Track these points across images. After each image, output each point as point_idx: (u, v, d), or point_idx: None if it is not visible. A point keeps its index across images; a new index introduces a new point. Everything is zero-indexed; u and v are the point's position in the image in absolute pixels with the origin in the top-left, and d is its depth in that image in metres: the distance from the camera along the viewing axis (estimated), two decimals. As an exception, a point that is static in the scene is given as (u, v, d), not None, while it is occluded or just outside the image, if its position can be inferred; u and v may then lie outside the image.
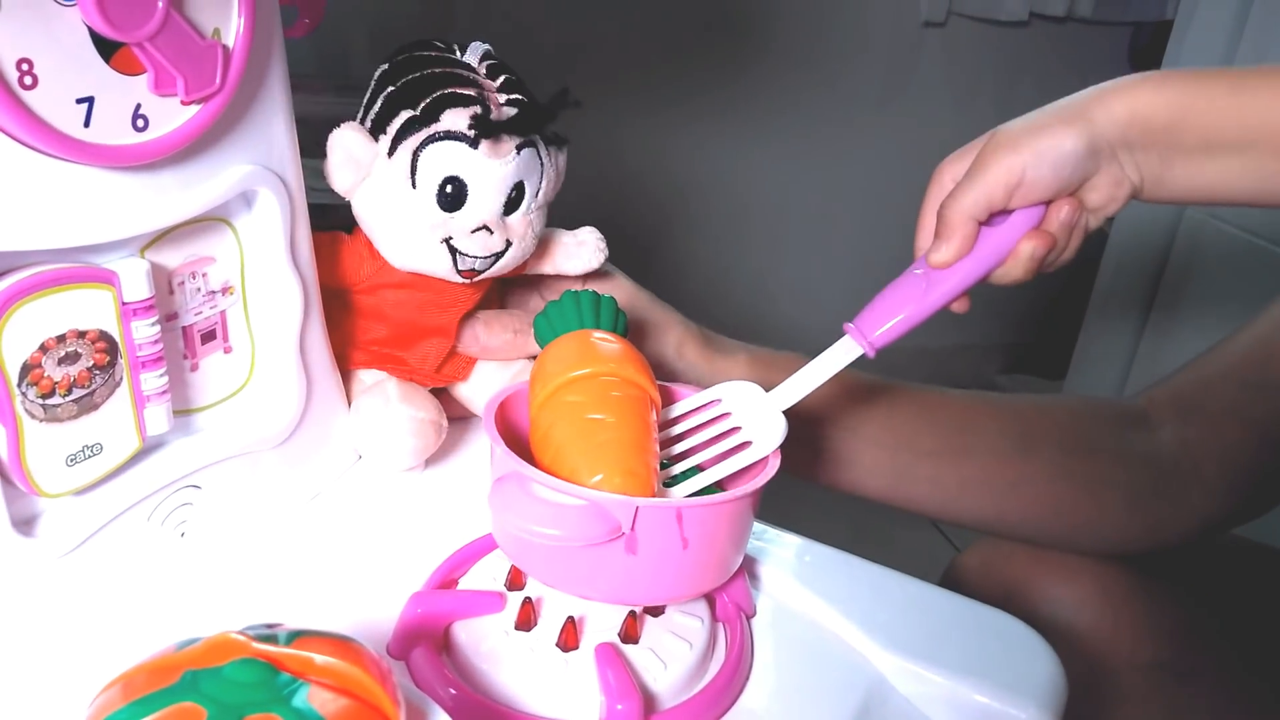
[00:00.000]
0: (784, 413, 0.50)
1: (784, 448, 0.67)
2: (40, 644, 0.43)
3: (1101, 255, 1.68)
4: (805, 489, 0.70)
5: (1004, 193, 0.48)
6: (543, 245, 0.60)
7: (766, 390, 0.51)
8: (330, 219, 0.57)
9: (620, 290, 0.66)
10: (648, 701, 0.43)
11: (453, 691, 0.43)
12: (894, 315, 0.50)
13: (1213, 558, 0.78)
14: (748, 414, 0.50)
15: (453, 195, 0.52)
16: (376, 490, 0.58)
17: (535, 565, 0.45)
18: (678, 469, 0.49)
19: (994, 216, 0.50)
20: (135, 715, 0.28)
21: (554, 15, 1.68)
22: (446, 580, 0.50)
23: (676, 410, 0.52)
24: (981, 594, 0.66)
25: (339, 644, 0.32)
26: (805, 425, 0.67)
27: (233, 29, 0.43)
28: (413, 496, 0.58)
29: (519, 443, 0.47)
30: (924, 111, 2.00)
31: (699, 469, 0.49)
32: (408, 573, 0.49)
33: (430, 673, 0.44)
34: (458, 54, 0.55)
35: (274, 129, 0.48)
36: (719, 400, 0.51)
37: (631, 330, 0.65)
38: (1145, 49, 2.04)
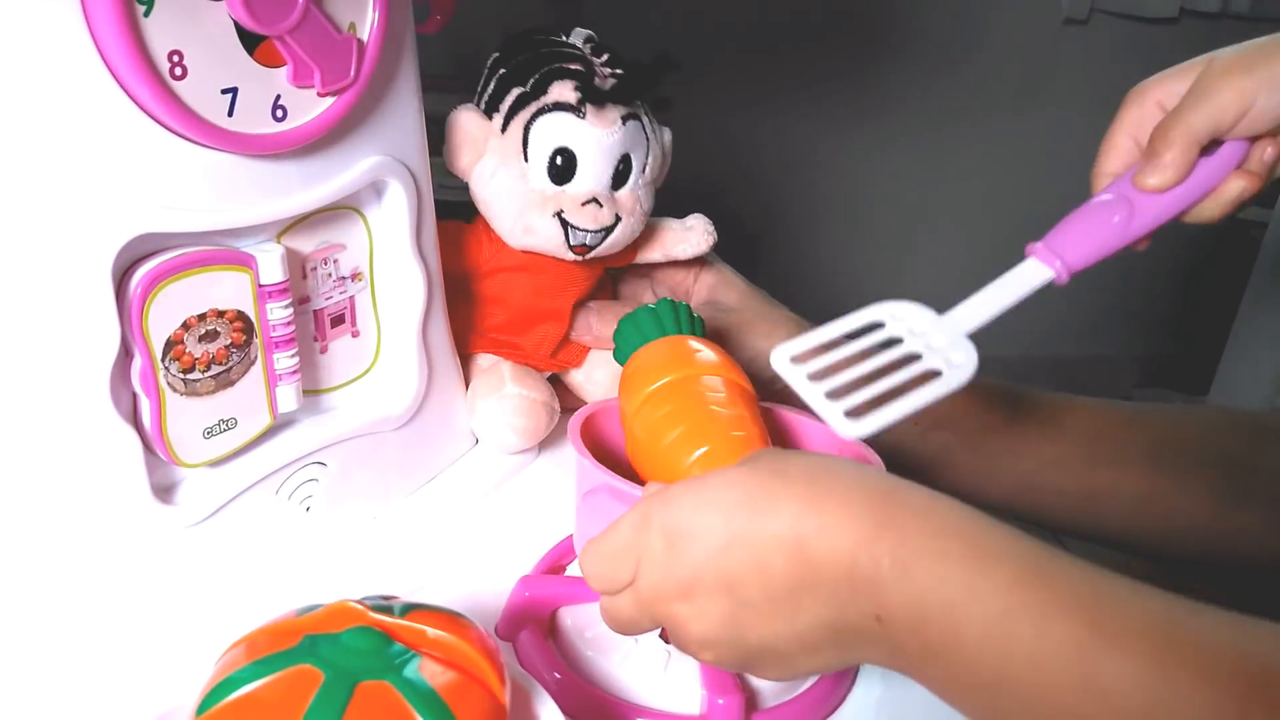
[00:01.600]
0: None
1: (902, 452, 0.66)
2: (173, 603, 0.45)
3: (1254, 262, 1.58)
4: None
5: (1234, 118, 0.45)
6: (652, 232, 0.62)
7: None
8: (455, 215, 0.59)
9: (734, 290, 0.66)
10: (749, 698, 0.43)
11: (557, 675, 0.44)
12: (1092, 239, 0.45)
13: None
14: (923, 339, 0.43)
15: (563, 166, 0.54)
16: (490, 475, 0.59)
17: None
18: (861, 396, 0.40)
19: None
20: (257, 674, 0.29)
21: (684, 11, 1.68)
22: (554, 566, 0.50)
23: (830, 333, 0.43)
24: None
25: (451, 619, 0.33)
26: (925, 429, 0.66)
27: (368, 23, 0.45)
28: (524, 483, 0.59)
29: (607, 457, 0.47)
30: (1064, 113, 1.92)
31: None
32: (517, 556, 0.50)
33: (536, 655, 0.44)
34: (564, 38, 0.57)
35: (404, 122, 0.50)
36: (883, 324, 0.44)
37: (746, 330, 0.64)
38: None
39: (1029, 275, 0.45)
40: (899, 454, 0.66)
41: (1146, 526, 0.67)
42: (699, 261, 0.66)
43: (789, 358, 0.41)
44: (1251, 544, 0.67)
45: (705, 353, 0.47)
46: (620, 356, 0.50)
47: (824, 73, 1.81)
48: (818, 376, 0.40)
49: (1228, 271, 1.75)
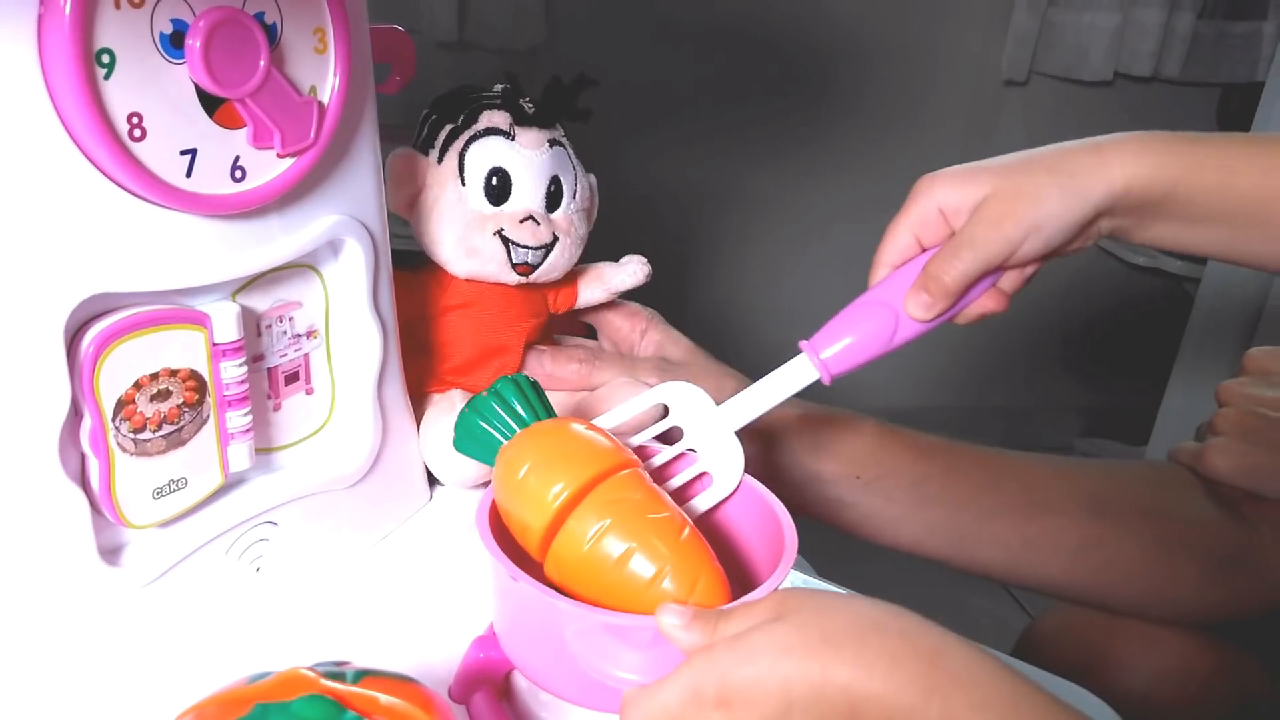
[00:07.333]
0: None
1: (843, 505, 0.67)
2: (119, 670, 0.44)
3: (1189, 315, 1.63)
4: (874, 553, 0.69)
5: (1001, 261, 0.50)
6: (591, 273, 0.65)
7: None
8: (411, 264, 0.60)
9: (679, 347, 0.68)
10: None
11: (512, 738, 0.43)
12: (857, 350, 0.50)
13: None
14: (700, 431, 0.47)
15: (498, 186, 0.58)
16: (443, 533, 0.59)
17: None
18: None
19: None
20: (207, 745, 0.29)
21: (636, 74, 1.71)
22: (509, 626, 0.50)
23: (625, 414, 0.48)
24: (1058, 661, 0.64)
25: (404, 685, 0.32)
26: (865, 482, 0.67)
27: (328, 86, 0.45)
28: (478, 542, 0.59)
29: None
30: (1004, 170, 1.98)
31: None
32: (471, 616, 0.50)
33: (490, 718, 0.44)
34: (488, 89, 0.62)
35: (362, 181, 0.50)
36: (667, 413, 0.48)
37: (695, 382, 0.65)
38: (1235, 112, 1.99)
39: (797, 375, 0.50)
40: (842, 506, 0.67)
41: (1083, 575, 0.69)
42: (644, 319, 0.68)
43: None
44: (1185, 594, 0.69)
45: (598, 439, 0.44)
46: (476, 449, 0.47)
47: (770, 129, 1.84)
48: None
49: (1164, 324, 1.80)
